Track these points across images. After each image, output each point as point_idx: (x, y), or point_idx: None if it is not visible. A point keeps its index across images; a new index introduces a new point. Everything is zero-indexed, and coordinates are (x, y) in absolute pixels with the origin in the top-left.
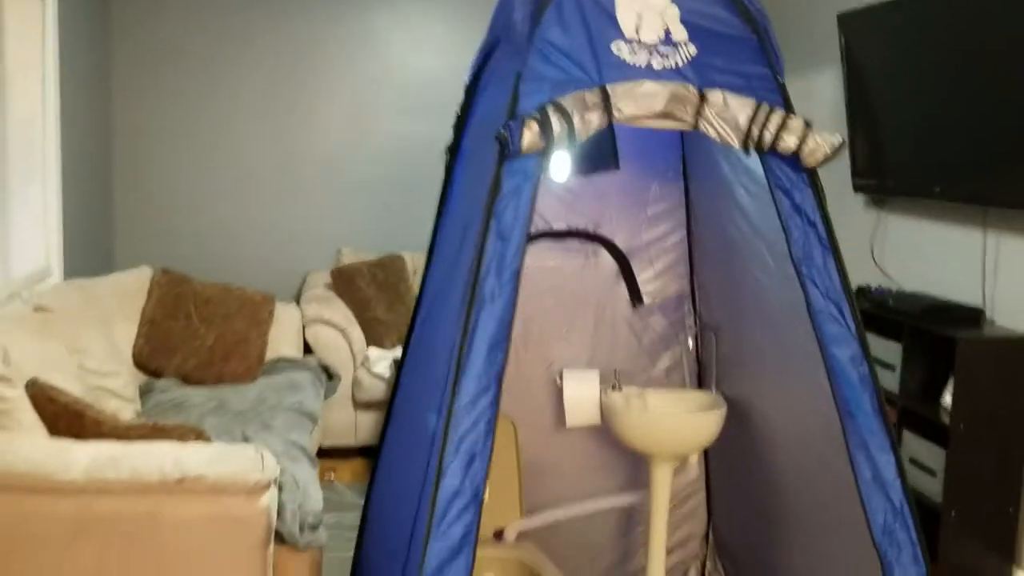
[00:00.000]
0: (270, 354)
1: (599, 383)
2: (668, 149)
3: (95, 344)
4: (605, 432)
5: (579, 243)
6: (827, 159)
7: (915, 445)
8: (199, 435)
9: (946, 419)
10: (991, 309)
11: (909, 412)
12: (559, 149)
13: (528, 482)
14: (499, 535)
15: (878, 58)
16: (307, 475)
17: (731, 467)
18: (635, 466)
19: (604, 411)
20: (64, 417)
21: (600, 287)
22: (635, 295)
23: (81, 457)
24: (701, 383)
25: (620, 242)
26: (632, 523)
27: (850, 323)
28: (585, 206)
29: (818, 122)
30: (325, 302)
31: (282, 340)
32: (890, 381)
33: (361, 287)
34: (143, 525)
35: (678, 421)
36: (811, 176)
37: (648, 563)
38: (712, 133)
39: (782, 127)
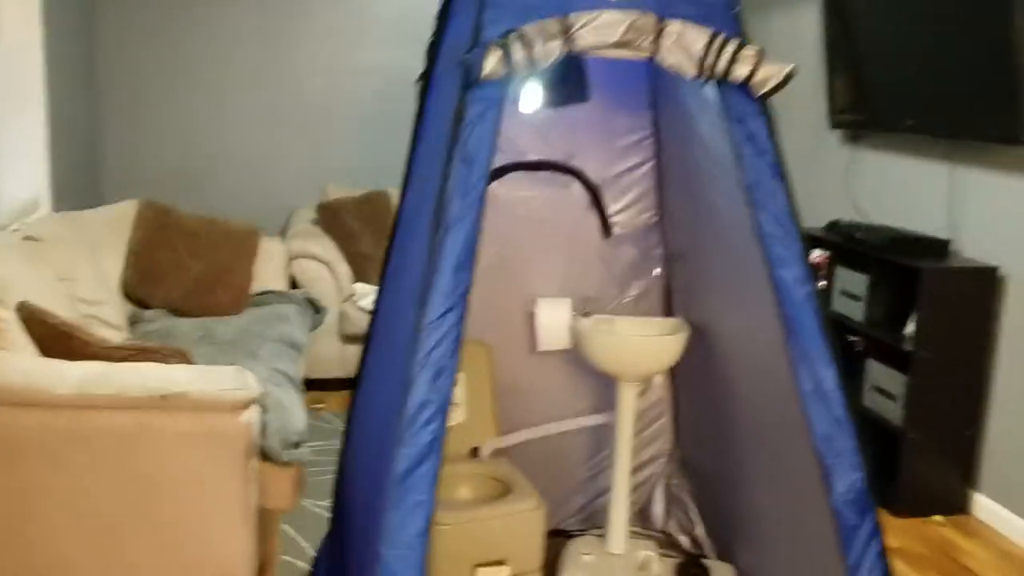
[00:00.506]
0: (256, 287)
1: (570, 310)
2: (638, 81)
3: (84, 273)
4: (576, 356)
5: (552, 174)
6: (778, 87)
7: (879, 373)
8: (182, 356)
9: (909, 347)
10: (957, 241)
11: (874, 341)
12: (521, 76)
13: (503, 403)
14: (475, 452)
15: None
16: (291, 399)
17: (694, 388)
18: (604, 388)
19: (574, 336)
20: (54, 339)
21: (572, 217)
22: (606, 226)
23: (72, 374)
24: (670, 310)
25: (592, 173)
26: (602, 443)
27: (795, 245)
28: (558, 138)
29: (799, 59)
30: (311, 237)
31: (268, 274)
32: (857, 312)
33: (347, 222)
34: (131, 438)
35: (641, 344)
36: (764, 106)
37: (613, 478)
38: (670, 61)
39: (735, 56)
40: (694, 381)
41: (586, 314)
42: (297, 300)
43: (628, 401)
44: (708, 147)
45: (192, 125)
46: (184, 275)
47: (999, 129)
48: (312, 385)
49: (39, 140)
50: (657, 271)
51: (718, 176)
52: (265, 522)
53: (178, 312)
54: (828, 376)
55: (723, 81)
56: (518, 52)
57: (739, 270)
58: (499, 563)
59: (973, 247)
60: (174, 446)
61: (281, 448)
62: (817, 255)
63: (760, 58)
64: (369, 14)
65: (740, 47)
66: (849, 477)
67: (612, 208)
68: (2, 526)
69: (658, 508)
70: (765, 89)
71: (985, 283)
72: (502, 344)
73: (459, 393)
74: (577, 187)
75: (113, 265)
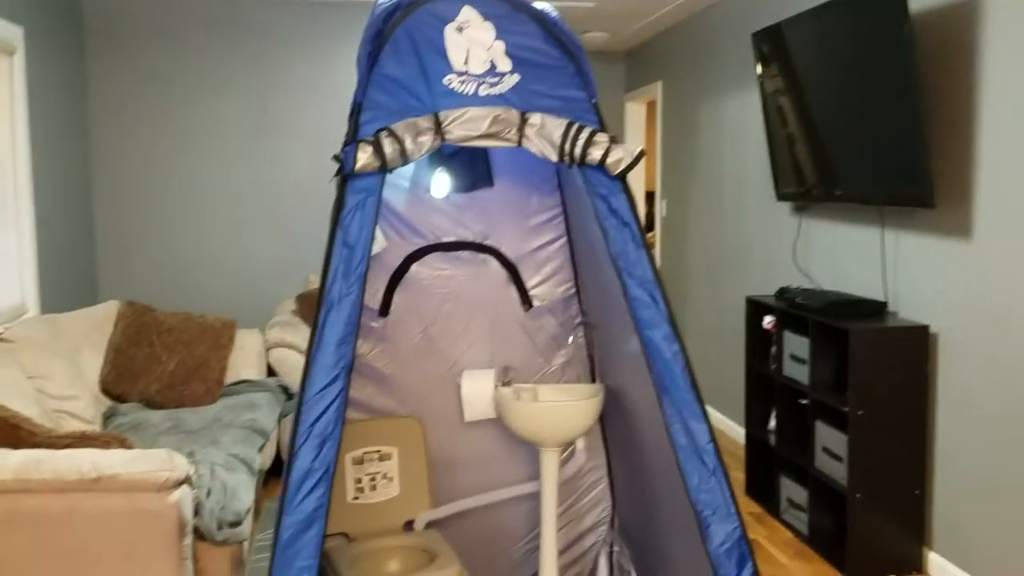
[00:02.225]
0: (232, 377)
1: (494, 380)
2: (543, 165)
3: (58, 371)
4: (505, 429)
5: (469, 254)
6: (629, 167)
7: (825, 434)
8: (122, 442)
9: (847, 408)
10: (893, 302)
11: (819, 403)
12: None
13: (438, 476)
14: (409, 525)
15: (785, 73)
16: (240, 481)
17: (620, 453)
18: (535, 457)
19: (496, 405)
20: (3, 431)
21: (493, 293)
22: (525, 299)
23: (12, 461)
24: (594, 377)
25: (507, 251)
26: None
27: (661, 307)
28: (473, 219)
29: (750, 138)
30: (289, 326)
31: (244, 364)
32: (803, 375)
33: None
34: (66, 519)
35: (554, 410)
36: (624, 183)
37: (541, 543)
38: (534, 149)
39: (589, 142)
40: (620, 445)
41: (506, 383)
42: (270, 388)
43: (550, 467)
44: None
45: (179, 228)
46: (160, 369)
47: (914, 195)
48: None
49: (27, 249)
50: (577, 339)
51: (604, 249)
52: None
53: (153, 405)
54: (700, 431)
55: (583, 163)
56: (388, 147)
57: (633, 335)
58: None
59: (907, 307)
60: (107, 526)
61: (216, 528)
62: (767, 321)
63: (611, 143)
64: (346, 113)
65: (593, 134)
66: (724, 528)
67: (530, 282)
68: None
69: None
70: (620, 169)
71: (917, 341)
72: (434, 418)
73: (392, 468)
74: (495, 264)
75: (92, 362)
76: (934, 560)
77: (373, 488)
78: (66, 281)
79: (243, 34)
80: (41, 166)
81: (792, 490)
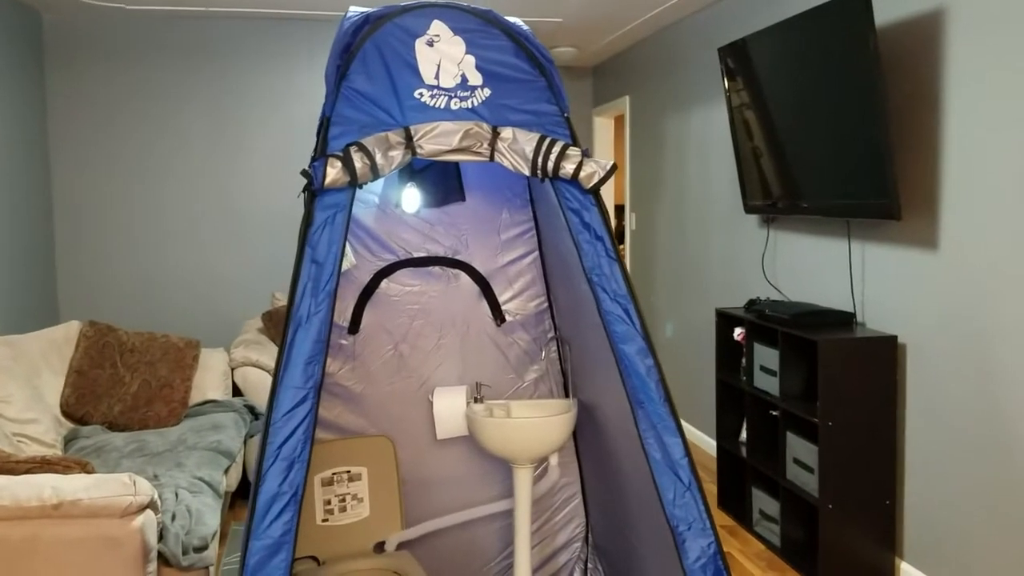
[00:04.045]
0: (197, 397)
1: (466, 397)
2: (514, 180)
3: (16, 394)
4: (478, 446)
5: (440, 269)
6: (602, 181)
7: (796, 445)
8: (84, 467)
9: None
10: (861, 313)
11: (789, 414)
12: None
13: (409, 496)
14: (380, 547)
15: (751, 87)
16: (205, 505)
17: (593, 469)
18: (509, 475)
19: (468, 422)
20: None
21: (464, 308)
22: (497, 314)
23: None
24: (567, 392)
25: (478, 266)
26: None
27: (635, 322)
28: (442, 236)
29: (716, 151)
30: (255, 345)
31: (209, 384)
32: (773, 386)
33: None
34: (26, 548)
35: (527, 426)
36: (596, 197)
37: (515, 561)
38: (506, 163)
39: (561, 156)
40: (593, 461)
41: (479, 400)
42: (236, 408)
43: (524, 484)
44: (569, 238)
45: (141, 247)
46: (122, 391)
47: (880, 207)
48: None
49: None
50: (549, 354)
51: (577, 264)
52: None
53: (116, 427)
54: (675, 444)
55: (556, 177)
56: (358, 161)
57: (607, 350)
58: None
59: (875, 318)
60: (69, 553)
61: (181, 552)
62: (737, 333)
63: (583, 157)
64: (310, 130)
65: (565, 148)
66: (699, 543)
67: (502, 297)
68: None
69: None
70: (593, 183)
71: (885, 352)
72: (406, 437)
73: (363, 488)
74: (466, 279)
75: (52, 385)
76: (905, 570)
77: (343, 509)
78: (25, 302)
79: (204, 51)
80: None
81: (764, 502)
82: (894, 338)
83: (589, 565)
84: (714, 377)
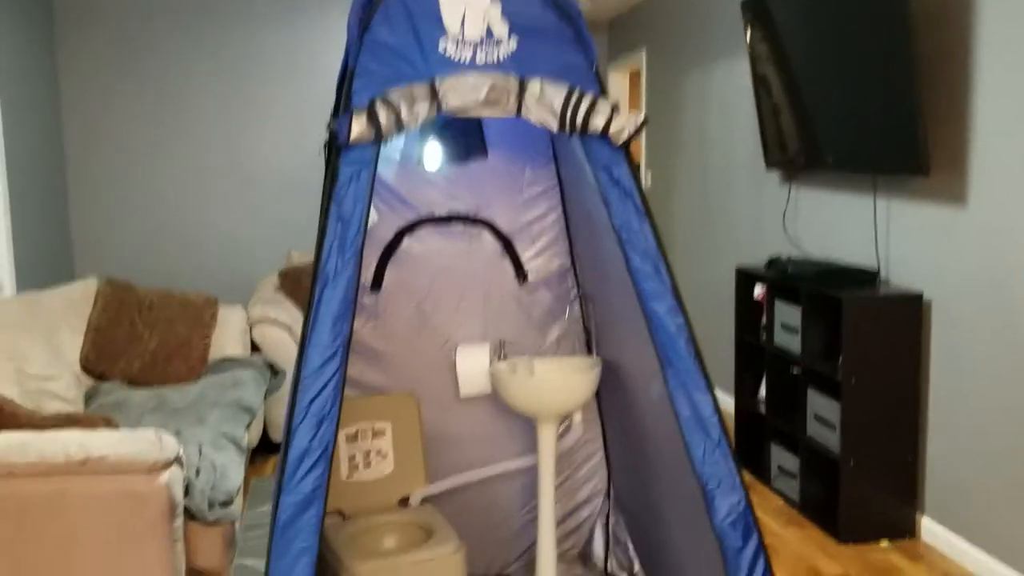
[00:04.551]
0: (216, 355)
1: (489, 355)
2: (538, 136)
3: (36, 351)
4: (501, 403)
5: (462, 227)
6: (632, 136)
7: (817, 402)
8: (108, 423)
9: (841, 376)
10: (886, 270)
11: (811, 371)
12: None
13: (432, 452)
14: (404, 502)
15: (774, 41)
16: (229, 460)
17: (617, 424)
18: (530, 432)
19: (492, 379)
20: None
21: (486, 267)
22: (520, 272)
23: None
24: (590, 351)
25: (501, 224)
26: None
27: (666, 279)
28: (464, 193)
29: (737, 106)
30: (272, 303)
31: (228, 341)
32: (795, 344)
33: (307, 286)
34: (53, 504)
35: (551, 383)
36: (626, 153)
37: (538, 515)
38: (533, 118)
39: (591, 110)
40: (616, 417)
41: (503, 357)
42: (256, 365)
43: (548, 441)
44: (595, 195)
45: (158, 200)
46: (141, 348)
47: (907, 162)
48: (273, 448)
49: (1, 226)
50: (573, 313)
51: (604, 221)
52: None
53: (135, 383)
54: (704, 402)
55: (584, 133)
56: (383, 116)
57: (632, 308)
58: None
59: (900, 275)
60: (96, 509)
61: (207, 507)
62: (758, 291)
63: (614, 110)
64: (328, 88)
65: (594, 102)
66: (729, 500)
67: (525, 255)
68: None
69: (598, 547)
70: (623, 138)
71: (910, 309)
72: (429, 394)
73: (387, 444)
74: (488, 238)
75: (72, 342)
76: (927, 524)
77: (367, 465)
78: (42, 258)
79: (217, 9)
80: (13, 144)
81: (783, 458)
82: (919, 296)
83: (611, 519)
84: (733, 336)
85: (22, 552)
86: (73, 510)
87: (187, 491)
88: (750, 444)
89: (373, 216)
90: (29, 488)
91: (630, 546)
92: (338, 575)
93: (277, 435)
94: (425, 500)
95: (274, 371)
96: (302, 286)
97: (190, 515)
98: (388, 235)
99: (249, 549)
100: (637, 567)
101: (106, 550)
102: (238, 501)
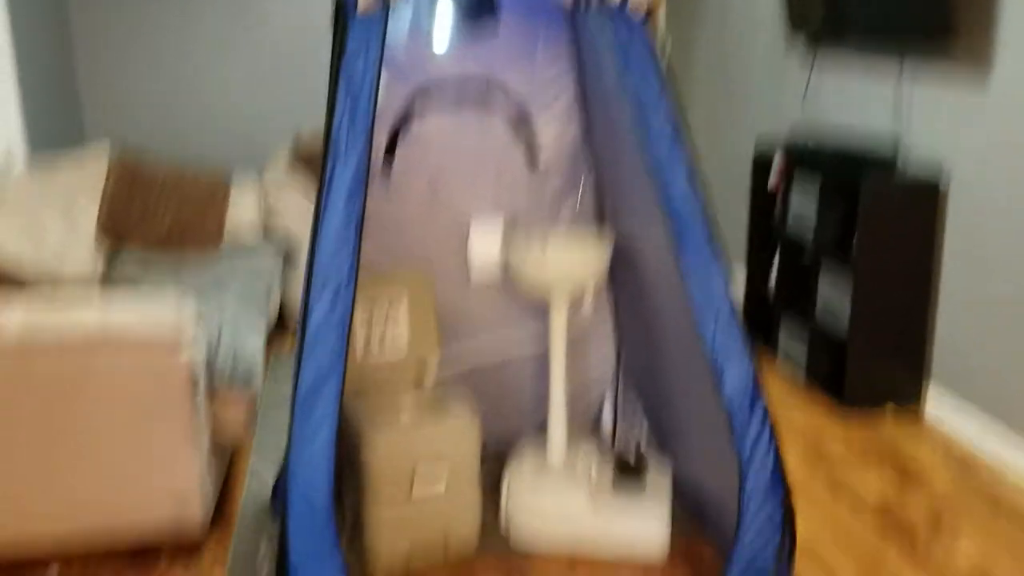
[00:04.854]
0: (230, 231)
1: (501, 237)
2: (551, 16)
3: (52, 226)
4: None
5: (474, 110)
6: (653, 7)
7: (828, 286)
8: (128, 295)
9: (854, 258)
10: (905, 155)
11: (823, 256)
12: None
13: (445, 335)
14: (419, 382)
15: None
16: (249, 334)
17: (627, 306)
18: (542, 313)
19: (504, 258)
20: (2, 282)
21: (498, 148)
22: (532, 153)
23: (15, 320)
24: (602, 230)
25: (512, 105)
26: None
27: (682, 155)
28: (476, 65)
29: None
30: (285, 181)
31: (241, 219)
32: (809, 226)
33: (320, 163)
34: (75, 378)
35: (562, 262)
36: (645, 28)
37: (550, 396)
38: None
39: None
40: (627, 297)
41: (513, 238)
42: (271, 244)
43: (559, 321)
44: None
45: (168, 67)
46: (157, 223)
47: (932, 23)
48: (290, 327)
49: (10, 90)
50: (585, 193)
51: (621, 96)
52: (222, 453)
53: (152, 261)
54: (716, 276)
55: (603, 3)
56: None
57: (647, 186)
58: (436, 474)
59: (920, 159)
60: (119, 384)
61: (230, 382)
62: (774, 175)
63: None
64: None
65: None
66: (737, 374)
67: (537, 122)
68: None
69: (607, 420)
70: (643, 11)
71: (928, 191)
72: (441, 276)
73: (401, 325)
74: (500, 119)
75: (87, 216)
76: (933, 391)
77: (382, 346)
78: (52, 124)
79: None
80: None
81: (792, 335)
82: (938, 177)
83: (620, 397)
84: (746, 219)
85: (48, 427)
86: (96, 385)
87: (208, 365)
88: (760, 322)
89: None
90: (51, 364)
91: (639, 419)
92: (358, 447)
93: (294, 314)
94: (439, 380)
95: (289, 250)
96: (314, 164)
97: (212, 390)
98: (399, 109)
99: (270, 425)
100: (645, 438)
101: (131, 424)
102: (259, 376)
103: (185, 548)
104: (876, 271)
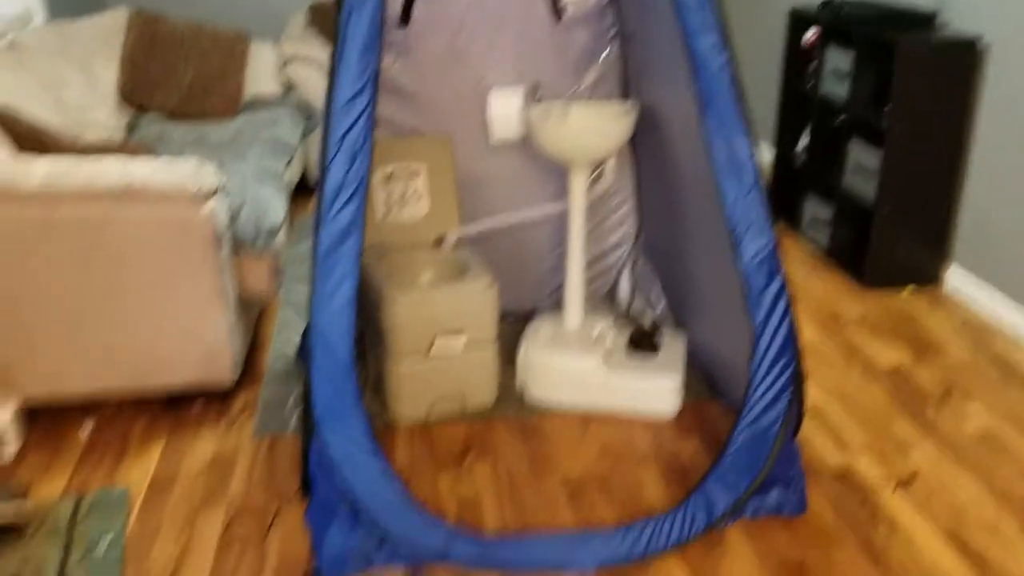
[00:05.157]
0: (250, 92)
1: (523, 97)
2: None
3: (74, 80)
4: (534, 148)
5: None
6: None
7: (859, 151)
8: (147, 151)
9: (887, 123)
10: (944, 12)
11: (856, 120)
12: None
13: (465, 196)
14: (439, 243)
15: None
16: (271, 194)
17: (650, 170)
18: (563, 178)
19: (525, 124)
20: (27, 138)
21: (520, 2)
22: (555, 9)
23: (38, 169)
24: (627, 95)
25: None
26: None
27: (712, 14)
28: None
29: None
30: (304, 39)
31: (261, 78)
32: (842, 91)
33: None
34: (99, 228)
35: (586, 127)
36: None
37: (568, 260)
38: None
39: None
40: (650, 163)
41: (537, 100)
42: (290, 104)
43: (579, 187)
44: None
45: None
46: (177, 82)
47: None
48: (311, 189)
49: None
50: (611, 54)
51: None
52: (250, 308)
53: (173, 118)
54: (742, 145)
55: None
56: None
57: (674, 47)
58: (456, 333)
59: (960, 17)
60: (144, 235)
61: (253, 239)
62: (808, 36)
63: None
64: None
65: None
66: (757, 242)
67: None
68: None
69: (624, 289)
70: None
71: (966, 55)
72: (461, 137)
73: (421, 186)
74: None
75: (107, 73)
76: (954, 271)
77: (403, 206)
78: None
79: None
80: None
81: (817, 208)
82: (978, 39)
83: (638, 264)
84: (778, 83)
85: (76, 278)
86: (121, 235)
87: (231, 222)
88: (785, 195)
89: None
90: (77, 213)
91: (656, 287)
92: (378, 307)
93: (314, 176)
94: (459, 241)
95: (309, 111)
96: (333, 22)
97: (236, 246)
98: None
99: (295, 284)
100: (660, 308)
101: (158, 274)
102: (282, 234)
103: (217, 399)
104: (908, 137)
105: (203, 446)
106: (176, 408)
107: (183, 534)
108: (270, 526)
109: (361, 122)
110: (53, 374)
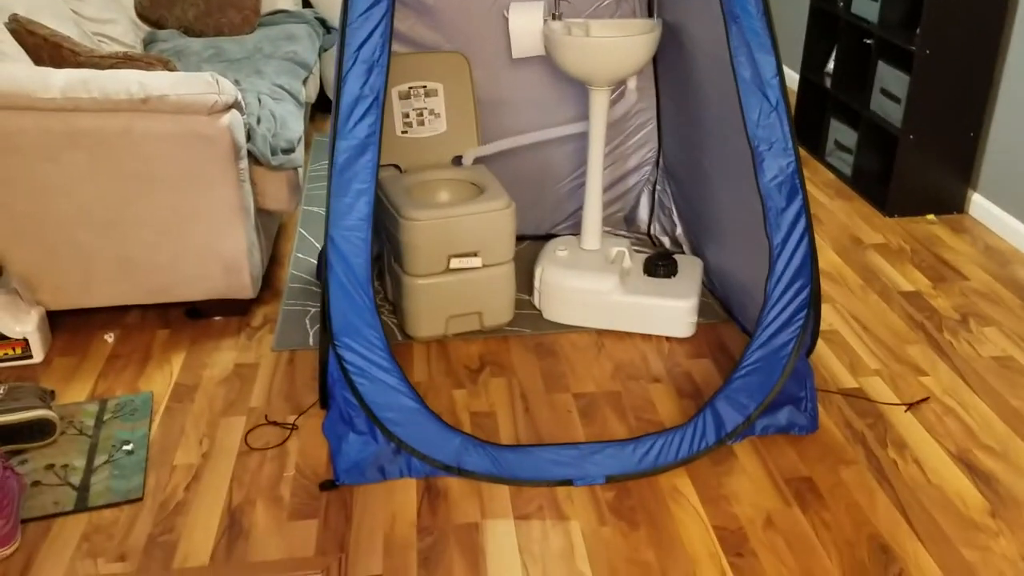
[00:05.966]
0: (268, 6)
1: (543, 13)
2: None
3: None
4: (554, 66)
5: None
6: None
7: (887, 74)
8: (166, 64)
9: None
10: None
11: (884, 42)
12: None
13: (484, 115)
14: (458, 161)
15: None
16: (288, 110)
17: (673, 92)
18: (583, 98)
19: (545, 40)
20: (45, 49)
21: None
22: None
23: (57, 80)
24: (651, 12)
25: None
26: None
27: None
28: None
29: None
30: None
31: None
32: (872, 12)
33: None
34: (119, 139)
35: (607, 46)
36: None
37: (587, 180)
38: None
39: None
40: (673, 85)
41: (556, 17)
42: (308, 19)
43: (600, 107)
44: None
45: None
46: None
47: None
48: (329, 107)
49: None
50: None
51: None
52: (269, 223)
53: (191, 32)
54: (767, 63)
55: None
56: None
57: None
58: (472, 254)
59: None
60: (163, 147)
61: (270, 153)
62: None
63: None
64: None
65: None
66: (778, 162)
67: None
68: (19, 216)
69: (643, 213)
70: None
71: None
72: (480, 54)
73: (439, 103)
74: None
75: None
76: (977, 201)
77: (421, 123)
78: None
79: None
80: None
81: (841, 133)
82: None
83: (658, 187)
84: (807, 4)
85: (98, 183)
86: (141, 147)
87: (249, 137)
88: (810, 119)
89: None
90: (96, 124)
91: (675, 212)
92: (395, 223)
93: (330, 94)
94: (477, 160)
95: (327, 27)
96: None
97: (254, 160)
98: None
99: (314, 199)
100: (679, 231)
101: (178, 186)
102: (300, 150)
103: (237, 312)
104: (938, 62)
105: (224, 357)
106: (197, 318)
107: (205, 440)
108: (288, 436)
109: (377, 34)
110: (76, 284)
